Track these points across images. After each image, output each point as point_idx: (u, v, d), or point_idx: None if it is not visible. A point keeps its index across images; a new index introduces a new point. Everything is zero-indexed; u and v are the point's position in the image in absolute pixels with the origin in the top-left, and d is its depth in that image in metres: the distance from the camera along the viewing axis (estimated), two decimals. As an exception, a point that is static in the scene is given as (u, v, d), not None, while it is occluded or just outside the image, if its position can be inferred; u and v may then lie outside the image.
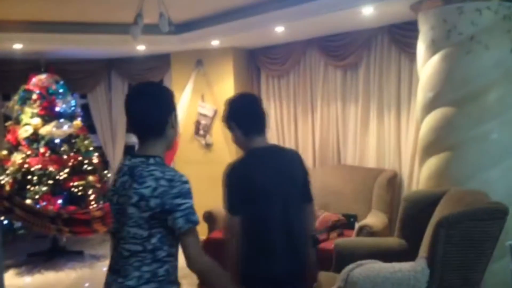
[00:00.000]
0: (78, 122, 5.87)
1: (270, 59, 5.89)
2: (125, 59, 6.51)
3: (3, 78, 6.22)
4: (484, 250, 2.59)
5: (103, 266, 4.95)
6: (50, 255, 5.72)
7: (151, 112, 1.92)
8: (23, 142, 5.52)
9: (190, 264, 1.83)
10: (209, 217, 4.83)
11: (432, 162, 3.57)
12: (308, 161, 5.71)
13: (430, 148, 3.60)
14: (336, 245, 3.39)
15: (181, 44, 5.69)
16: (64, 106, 5.80)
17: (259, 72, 6.16)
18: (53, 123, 5.61)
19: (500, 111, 3.42)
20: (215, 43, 5.62)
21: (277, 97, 5.98)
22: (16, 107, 5.71)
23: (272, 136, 6.06)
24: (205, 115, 6.00)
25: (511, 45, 3.42)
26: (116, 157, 6.61)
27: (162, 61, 6.38)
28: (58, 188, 5.36)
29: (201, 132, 6.06)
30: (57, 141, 5.60)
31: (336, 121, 5.45)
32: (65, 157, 5.55)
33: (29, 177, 5.30)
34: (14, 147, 5.57)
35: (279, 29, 4.91)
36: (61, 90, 5.85)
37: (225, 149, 5.72)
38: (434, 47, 3.61)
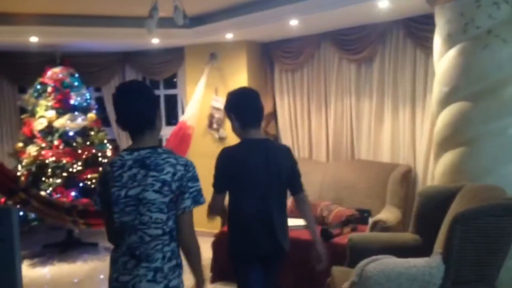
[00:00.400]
0: (92, 115, 5.91)
1: (284, 53, 5.87)
2: (139, 52, 6.53)
3: (19, 71, 6.30)
4: (500, 246, 2.57)
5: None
6: (65, 247, 5.79)
7: (145, 108, 2.11)
8: (38, 135, 5.59)
9: (185, 239, 2.07)
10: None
11: (448, 157, 3.54)
12: (321, 155, 5.71)
13: (445, 143, 3.56)
14: (350, 240, 3.37)
15: (195, 37, 5.70)
16: (78, 99, 5.85)
17: (273, 65, 6.15)
18: (67, 116, 5.66)
19: (517, 106, 3.37)
20: (229, 36, 5.61)
21: (291, 91, 5.97)
22: (32, 100, 5.77)
23: (285, 130, 6.06)
24: (218, 109, 6.00)
25: (530, 39, 3.36)
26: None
27: (176, 54, 6.39)
28: (72, 181, 5.41)
29: (215, 125, 6.07)
30: (71, 133, 5.65)
31: (350, 115, 5.42)
32: (79, 149, 5.59)
33: (44, 169, 5.36)
34: (30, 140, 5.63)
35: (293, 22, 4.88)
36: (76, 83, 5.90)
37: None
38: (450, 41, 3.56)
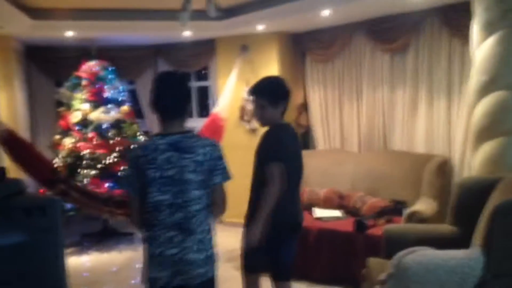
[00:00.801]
0: (125, 107, 5.98)
1: (316, 43, 5.83)
2: (171, 45, 6.59)
3: (56, 65, 6.43)
4: (543, 239, 2.51)
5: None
6: (102, 237, 5.93)
7: (182, 96, 2.34)
8: (74, 127, 5.70)
9: (221, 206, 2.39)
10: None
11: (486, 148, 3.47)
12: (353, 146, 5.68)
13: (484, 134, 3.49)
14: (385, 231, 3.35)
15: (226, 29, 5.71)
16: (112, 91, 5.93)
17: (304, 56, 6.12)
18: (101, 109, 5.75)
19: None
20: (260, 28, 5.60)
21: (322, 82, 5.93)
22: (68, 93, 5.89)
23: (317, 121, 6.04)
24: (250, 101, 6.01)
25: None
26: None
27: (207, 47, 6.42)
28: (106, 172, 5.49)
29: (246, 117, 6.09)
30: (104, 126, 5.74)
31: (383, 106, 5.36)
32: (112, 141, 5.68)
33: (79, 161, 5.48)
34: (66, 132, 5.75)
35: (326, 12, 4.83)
36: (110, 76, 5.98)
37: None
38: (489, 29, 3.47)
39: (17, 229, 2.40)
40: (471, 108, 3.76)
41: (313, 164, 5.41)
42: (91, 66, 5.89)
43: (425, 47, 4.89)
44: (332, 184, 5.09)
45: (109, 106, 5.81)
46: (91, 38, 5.87)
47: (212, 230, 2.38)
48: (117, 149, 5.62)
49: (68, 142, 5.63)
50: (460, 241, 2.95)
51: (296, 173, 2.97)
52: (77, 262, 5.25)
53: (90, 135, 5.64)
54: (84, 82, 5.82)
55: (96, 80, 5.83)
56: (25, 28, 5.25)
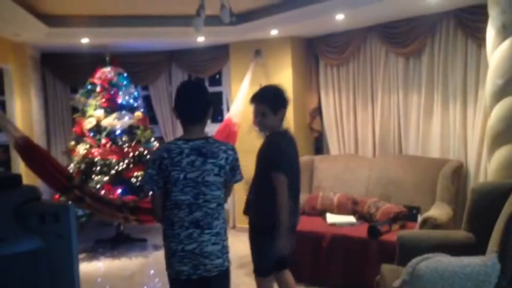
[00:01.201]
0: (139, 113, 6.00)
1: (329, 48, 5.81)
2: (184, 51, 6.61)
3: (71, 72, 6.50)
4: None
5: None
6: (115, 243, 5.96)
7: (204, 103, 2.57)
8: (88, 133, 5.75)
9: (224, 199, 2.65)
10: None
11: (502, 153, 3.41)
12: (367, 151, 5.63)
13: (500, 138, 3.44)
14: (399, 238, 3.31)
15: (240, 34, 5.73)
16: (126, 97, 5.96)
17: (318, 61, 6.10)
18: (114, 115, 5.77)
19: None
20: (273, 32, 5.61)
21: (336, 86, 5.91)
22: (82, 99, 5.94)
23: (331, 126, 6.01)
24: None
25: None
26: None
27: (220, 52, 6.44)
28: (118, 178, 5.52)
29: (260, 122, 6.07)
30: (117, 132, 5.76)
31: (398, 110, 5.31)
32: (125, 148, 5.70)
33: (92, 167, 5.51)
34: (80, 138, 5.80)
35: (339, 17, 4.82)
36: (124, 82, 6.02)
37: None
38: (505, 32, 3.42)
39: (32, 236, 2.42)
40: (487, 112, 3.71)
41: (326, 169, 5.38)
42: (105, 72, 5.94)
43: (440, 51, 4.84)
44: (346, 189, 5.05)
45: (123, 112, 5.85)
46: (105, 44, 5.92)
47: (225, 223, 2.62)
48: (130, 155, 5.64)
49: (81, 148, 5.68)
50: (476, 247, 2.90)
51: (295, 178, 3.13)
52: (91, 267, 5.28)
53: (103, 141, 5.68)
54: (98, 89, 5.86)
55: (110, 86, 5.88)
56: (42, 36, 5.32)
